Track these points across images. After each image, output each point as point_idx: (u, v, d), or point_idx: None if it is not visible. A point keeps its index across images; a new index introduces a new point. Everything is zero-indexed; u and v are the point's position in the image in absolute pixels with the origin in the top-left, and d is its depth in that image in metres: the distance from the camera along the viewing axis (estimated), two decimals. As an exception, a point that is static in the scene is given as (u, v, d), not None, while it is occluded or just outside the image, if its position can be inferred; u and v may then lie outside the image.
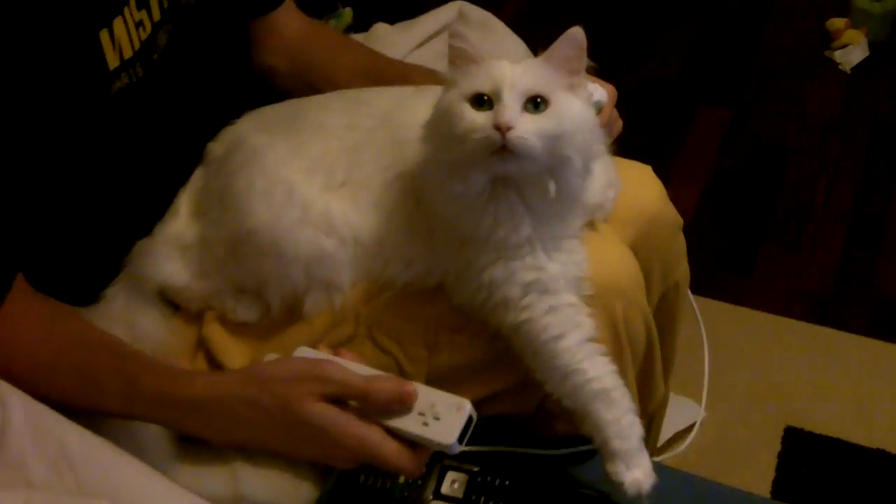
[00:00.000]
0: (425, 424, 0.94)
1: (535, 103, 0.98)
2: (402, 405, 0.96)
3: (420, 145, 1.06)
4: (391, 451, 0.95)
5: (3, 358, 1.00)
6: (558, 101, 0.99)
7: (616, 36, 2.89)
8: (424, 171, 1.07)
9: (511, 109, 0.96)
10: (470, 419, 0.95)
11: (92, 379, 1.01)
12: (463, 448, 0.95)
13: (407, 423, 0.95)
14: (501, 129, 0.95)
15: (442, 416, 0.94)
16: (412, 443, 0.96)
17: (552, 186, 1.01)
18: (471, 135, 0.97)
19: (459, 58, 1.02)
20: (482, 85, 0.99)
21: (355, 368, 0.98)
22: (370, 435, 0.95)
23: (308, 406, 0.95)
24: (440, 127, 1.02)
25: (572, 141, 0.99)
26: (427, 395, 0.96)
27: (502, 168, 0.99)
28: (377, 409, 0.96)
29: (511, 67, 0.99)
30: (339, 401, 0.96)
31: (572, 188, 1.04)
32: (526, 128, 0.96)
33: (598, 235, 1.14)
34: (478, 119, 0.98)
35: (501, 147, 0.96)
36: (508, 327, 1.07)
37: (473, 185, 1.01)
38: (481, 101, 0.99)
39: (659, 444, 1.60)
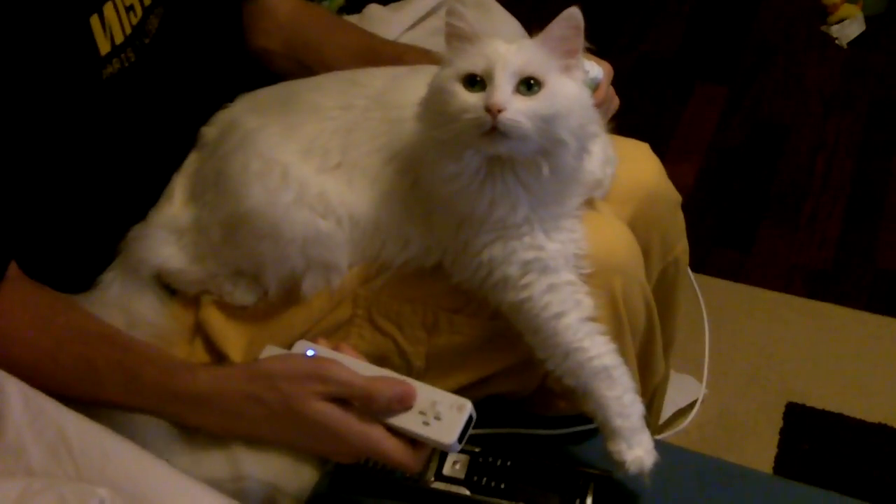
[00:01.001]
0: (426, 424, 0.95)
1: (528, 84, 0.98)
2: (403, 405, 0.96)
3: (415, 123, 1.05)
4: (392, 448, 0.95)
5: (1, 348, 1.00)
6: (552, 82, 0.98)
7: (612, 13, 2.87)
8: (420, 150, 1.07)
9: (502, 91, 0.96)
10: (470, 419, 0.96)
11: (93, 371, 1.01)
12: (462, 447, 0.96)
13: (408, 422, 0.96)
14: (492, 110, 0.95)
15: (443, 416, 0.95)
16: (414, 441, 0.96)
17: (545, 167, 1.01)
18: (462, 115, 0.97)
19: (455, 36, 1.02)
20: (475, 65, 0.98)
21: (356, 366, 0.98)
22: (372, 433, 0.95)
23: (311, 405, 0.95)
24: (433, 105, 1.02)
25: (566, 123, 0.99)
26: (429, 395, 0.97)
27: (494, 149, 0.99)
28: (379, 409, 0.96)
29: (505, 48, 0.99)
30: (341, 400, 0.96)
31: (567, 169, 1.03)
32: (517, 109, 0.96)
33: (596, 213, 1.14)
34: (469, 99, 0.97)
35: (492, 128, 0.96)
36: (509, 306, 1.07)
37: (467, 165, 1.00)
38: (474, 82, 0.98)
39: (660, 421, 1.60)
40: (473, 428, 0.97)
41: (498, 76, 0.96)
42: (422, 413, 0.96)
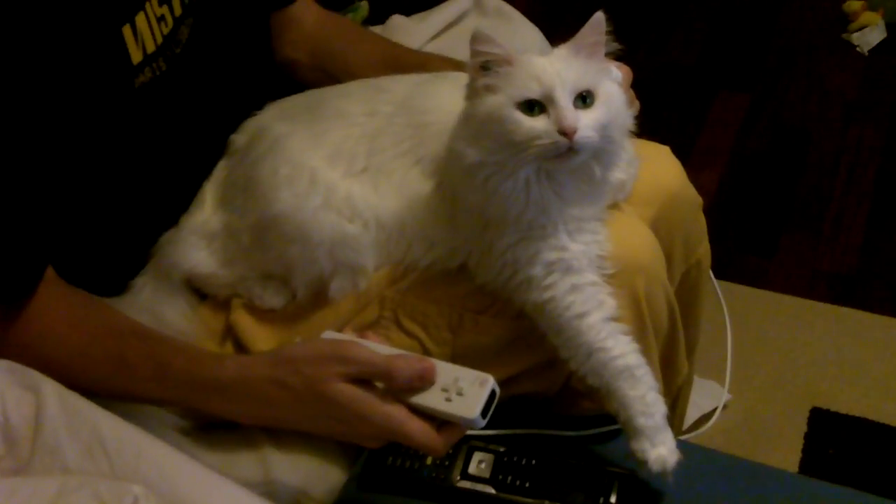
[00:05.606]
0: (448, 400, 0.95)
1: (584, 98, 0.99)
2: (424, 382, 0.96)
3: (454, 148, 1.05)
4: (415, 428, 0.96)
5: (37, 347, 1.02)
6: (602, 90, 1.01)
7: (633, 21, 2.89)
8: (453, 167, 1.07)
9: (570, 112, 0.98)
10: (493, 394, 0.96)
11: (124, 365, 1.03)
12: (486, 422, 0.95)
13: (430, 400, 0.96)
14: (568, 133, 0.97)
15: (465, 392, 0.95)
16: (441, 423, 0.97)
17: (598, 170, 1.04)
18: (533, 142, 0.98)
19: (489, 63, 1.01)
20: (531, 90, 0.99)
21: (379, 349, 1.00)
22: (394, 413, 0.96)
23: (332, 386, 0.96)
24: (490, 134, 1.01)
25: (618, 124, 1.02)
26: (450, 372, 0.97)
27: (561, 166, 1.01)
28: (400, 386, 0.96)
29: (553, 66, 0.99)
30: (364, 381, 0.97)
31: (613, 167, 1.07)
32: (586, 125, 0.98)
33: (619, 214, 1.15)
34: (537, 125, 0.98)
35: (567, 149, 0.98)
36: (532, 306, 1.08)
37: (520, 180, 1.02)
38: (532, 106, 0.99)
39: (685, 426, 1.60)
40: (498, 428, 0.97)
41: (559, 98, 0.98)
42: (444, 390, 0.96)
